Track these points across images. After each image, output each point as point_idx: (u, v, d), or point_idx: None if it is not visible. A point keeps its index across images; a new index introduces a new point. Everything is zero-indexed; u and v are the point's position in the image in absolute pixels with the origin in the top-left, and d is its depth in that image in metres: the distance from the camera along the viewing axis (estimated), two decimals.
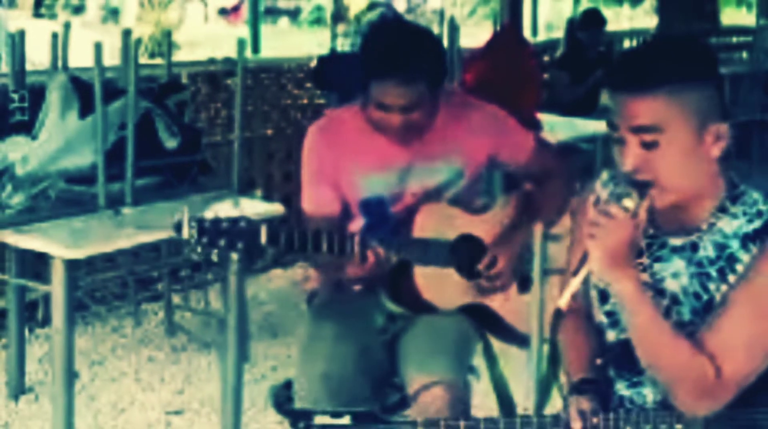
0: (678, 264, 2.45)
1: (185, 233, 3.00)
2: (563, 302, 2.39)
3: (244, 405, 4.62)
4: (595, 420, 2.46)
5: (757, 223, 2.39)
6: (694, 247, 2.43)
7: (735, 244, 2.39)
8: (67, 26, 5.09)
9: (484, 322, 3.51)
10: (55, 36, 5.01)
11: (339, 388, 3.26)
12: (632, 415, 2.46)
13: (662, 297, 2.46)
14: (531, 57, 7.30)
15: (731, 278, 2.38)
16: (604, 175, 2.62)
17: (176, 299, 6.08)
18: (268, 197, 5.34)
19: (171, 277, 5.92)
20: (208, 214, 3.06)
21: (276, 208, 4.69)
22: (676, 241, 2.46)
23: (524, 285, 3.57)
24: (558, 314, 2.41)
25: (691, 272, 2.43)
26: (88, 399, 5.01)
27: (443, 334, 3.38)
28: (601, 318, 2.57)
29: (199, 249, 3.00)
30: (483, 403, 3.55)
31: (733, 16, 21.54)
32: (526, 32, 10.16)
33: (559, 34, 10.03)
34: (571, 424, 2.46)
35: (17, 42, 4.87)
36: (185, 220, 3.01)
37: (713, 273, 2.40)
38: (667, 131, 2.32)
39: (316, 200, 3.43)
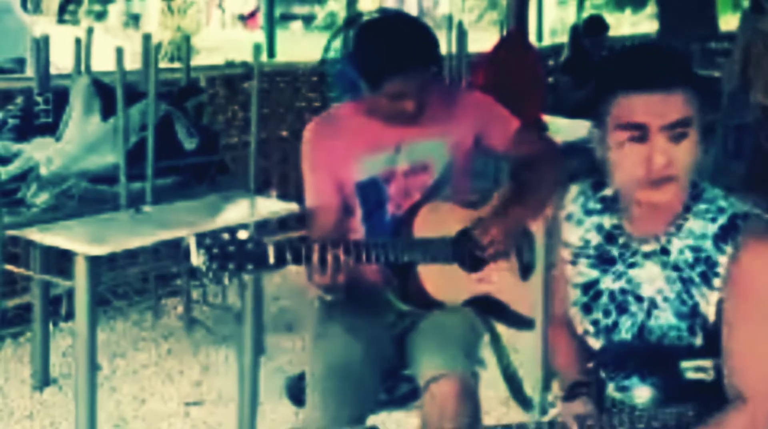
0: (652, 269, 2.42)
1: (194, 261, 2.95)
2: None
3: (261, 396, 4.61)
4: (589, 422, 2.43)
5: (722, 220, 2.37)
6: (665, 250, 2.41)
7: (708, 245, 2.36)
8: (89, 31, 5.08)
9: (490, 312, 3.50)
10: (78, 41, 5.01)
11: (349, 380, 3.26)
12: (625, 415, 2.43)
13: (641, 302, 2.44)
14: (536, 61, 7.29)
15: (716, 282, 2.35)
16: (573, 189, 2.61)
17: (195, 294, 6.08)
18: (283, 196, 5.33)
19: (190, 273, 5.91)
20: (220, 224, 3.01)
21: (291, 207, 4.68)
22: (646, 248, 2.44)
23: (526, 272, 3.56)
24: None
25: (670, 276, 2.40)
26: (110, 390, 5.01)
27: (451, 327, 3.37)
28: (586, 327, 2.55)
29: (210, 275, 2.97)
30: (489, 393, 3.55)
31: (731, 22, 21.49)
32: (532, 37, 10.14)
33: (563, 39, 10.02)
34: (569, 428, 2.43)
35: (42, 47, 4.88)
36: (193, 247, 2.97)
37: (696, 278, 2.38)
38: (692, 125, 2.31)
39: (316, 192, 3.46)
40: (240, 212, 4.61)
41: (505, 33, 7.72)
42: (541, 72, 7.39)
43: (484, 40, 8.25)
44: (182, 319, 5.91)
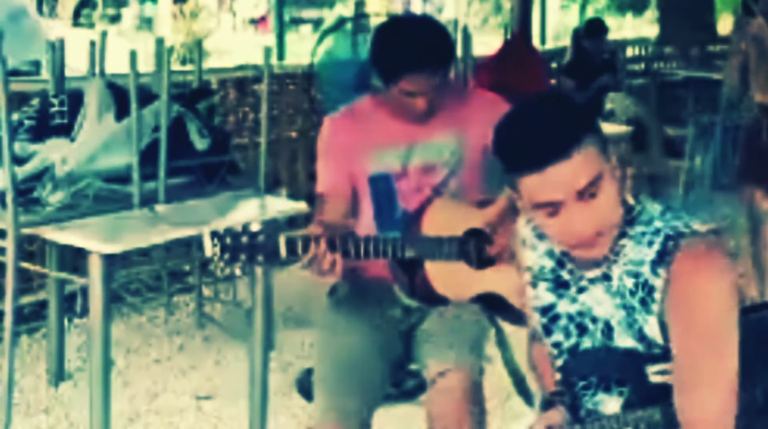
0: (598, 293, 2.38)
1: (208, 251, 2.97)
2: None
3: (270, 390, 4.60)
4: None
5: (658, 244, 2.29)
6: (606, 277, 2.35)
7: (646, 270, 2.30)
8: (104, 35, 5.08)
9: (495, 309, 3.50)
10: (92, 44, 5.00)
11: (356, 373, 3.26)
12: (596, 423, 2.39)
13: (596, 323, 2.40)
14: (539, 64, 7.29)
15: (654, 307, 2.29)
16: (522, 218, 2.55)
17: (206, 291, 6.08)
18: (292, 196, 5.32)
19: (201, 270, 5.92)
20: (231, 223, 3.02)
21: (300, 206, 4.68)
22: (590, 274, 2.39)
23: None
24: None
25: (615, 302, 2.36)
26: (124, 385, 5.01)
27: (457, 323, 3.37)
28: (549, 349, 2.52)
29: (222, 264, 2.98)
30: (495, 387, 3.54)
31: (729, 26, 21.45)
32: (535, 41, 10.14)
33: (566, 42, 10.00)
34: None
35: (57, 50, 4.87)
36: (206, 238, 2.98)
37: (636, 304, 2.32)
38: (602, 179, 2.23)
39: (327, 179, 3.46)
40: (250, 211, 4.60)
41: (509, 36, 7.72)
42: (544, 74, 7.40)
43: (488, 43, 8.26)
44: (194, 316, 5.91)
